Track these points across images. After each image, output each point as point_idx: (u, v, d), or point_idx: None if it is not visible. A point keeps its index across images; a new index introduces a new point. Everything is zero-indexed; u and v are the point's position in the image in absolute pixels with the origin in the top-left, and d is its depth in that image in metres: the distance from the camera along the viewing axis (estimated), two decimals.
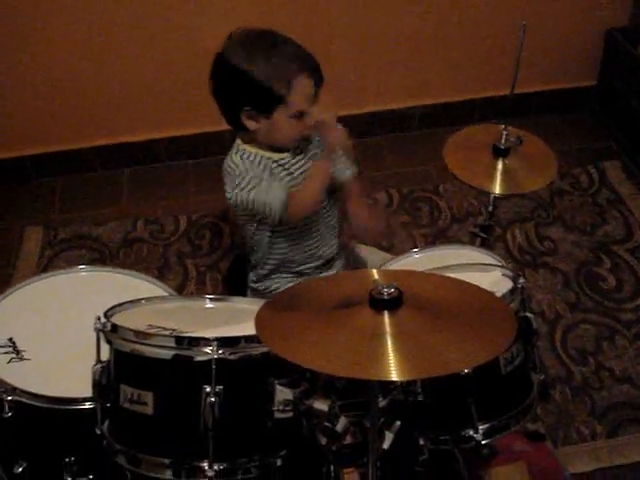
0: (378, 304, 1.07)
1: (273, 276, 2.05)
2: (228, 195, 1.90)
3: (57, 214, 3.02)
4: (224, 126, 2.95)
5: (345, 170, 2.01)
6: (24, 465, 1.69)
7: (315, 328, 1.07)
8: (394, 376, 0.97)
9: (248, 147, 1.90)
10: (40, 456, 1.71)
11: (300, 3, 2.85)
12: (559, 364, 2.37)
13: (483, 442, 1.44)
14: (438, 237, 2.79)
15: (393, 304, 1.07)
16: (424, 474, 1.60)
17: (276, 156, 1.91)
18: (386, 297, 1.07)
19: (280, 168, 1.92)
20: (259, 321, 1.12)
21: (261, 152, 1.90)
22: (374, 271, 1.16)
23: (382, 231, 2.08)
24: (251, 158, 1.89)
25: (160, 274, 2.67)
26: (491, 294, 1.16)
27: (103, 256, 2.79)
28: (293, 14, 2.84)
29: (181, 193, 3.07)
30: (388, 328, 1.04)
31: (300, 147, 1.94)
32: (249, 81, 1.77)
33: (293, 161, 1.93)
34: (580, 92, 3.32)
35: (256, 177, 1.86)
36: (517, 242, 2.77)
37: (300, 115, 1.81)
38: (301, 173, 1.94)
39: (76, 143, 3.12)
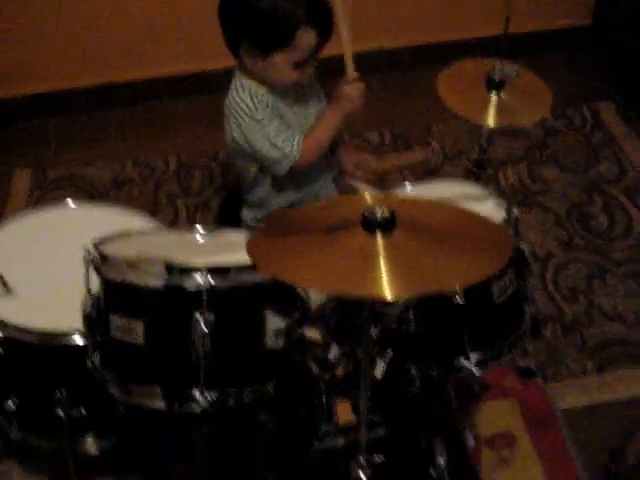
0: (370, 225, 1.06)
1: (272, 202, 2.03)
2: (235, 135, 1.87)
3: (46, 155, 2.99)
4: (216, 65, 2.95)
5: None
6: (16, 400, 1.70)
7: (308, 250, 1.06)
8: (387, 294, 0.96)
9: (252, 83, 1.85)
10: (31, 391, 1.71)
11: None
12: (550, 302, 2.37)
13: (475, 371, 1.44)
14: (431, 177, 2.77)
15: (386, 226, 1.06)
16: (415, 406, 1.61)
17: (278, 91, 1.86)
18: (379, 218, 1.05)
19: (282, 103, 1.88)
20: (251, 245, 1.11)
21: (264, 88, 1.85)
22: (367, 195, 1.14)
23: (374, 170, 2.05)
24: (259, 97, 1.84)
25: (151, 214, 2.62)
26: (485, 218, 1.15)
27: (93, 197, 2.77)
28: None
29: (171, 134, 3.03)
30: (381, 249, 1.03)
31: (300, 90, 1.91)
32: (254, 16, 1.72)
33: (294, 96, 1.90)
34: (575, 32, 3.27)
35: (270, 119, 1.83)
36: (510, 182, 2.75)
37: (299, 64, 1.77)
38: (302, 109, 1.92)
39: (66, 83, 3.07)
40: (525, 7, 3.04)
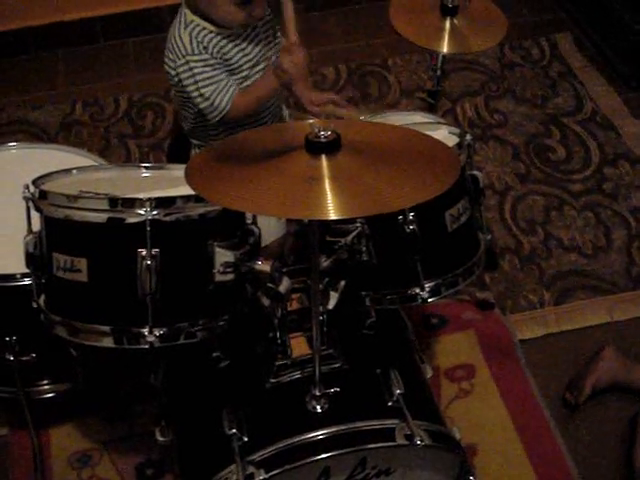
0: (315, 147, 1.02)
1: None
2: (171, 71, 1.79)
3: None
4: (162, 2, 2.85)
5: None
6: None
7: (251, 175, 1.02)
8: (332, 215, 0.93)
9: (196, 19, 1.76)
10: None
11: None
12: (508, 235, 2.37)
13: (429, 299, 1.43)
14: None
15: (330, 147, 1.02)
16: (372, 338, 1.60)
17: (225, 31, 1.78)
18: (323, 140, 1.02)
19: (230, 44, 1.80)
20: (191, 171, 1.06)
21: (209, 26, 1.76)
22: (312, 120, 1.10)
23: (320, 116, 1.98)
24: (200, 38, 1.76)
25: (102, 156, 2.55)
26: (433, 139, 1.12)
27: (41, 140, 2.68)
28: None
29: (120, 73, 2.95)
30: (326, 171, 1.00)
31: (251, 31, 1.83)
32: None
33: (244, 35, 1.82)
34: None
35: (205, 65, 1.75)
36: (467, 115, 2.73)
37: (244, 3, 1.69)
38: (253, 49, 1.84)
39: (7, 24, 2.95)
40: None
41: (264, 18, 1.84)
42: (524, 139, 2.65)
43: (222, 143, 1.20)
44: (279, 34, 1.94)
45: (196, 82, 1.76)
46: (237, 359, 1.53)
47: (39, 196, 1.34)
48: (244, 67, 1.83)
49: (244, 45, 1.82)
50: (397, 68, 2.90)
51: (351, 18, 3.12)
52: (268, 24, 1.88)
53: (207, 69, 1.76)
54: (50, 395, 1.77)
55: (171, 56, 1.78)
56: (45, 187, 1.37)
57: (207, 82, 1.75)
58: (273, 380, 1.46)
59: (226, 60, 1.80)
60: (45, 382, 1.76)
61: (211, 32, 1.77)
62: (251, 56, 1.84)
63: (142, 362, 1.62)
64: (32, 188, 1.36)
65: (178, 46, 1.76)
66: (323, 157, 1.02)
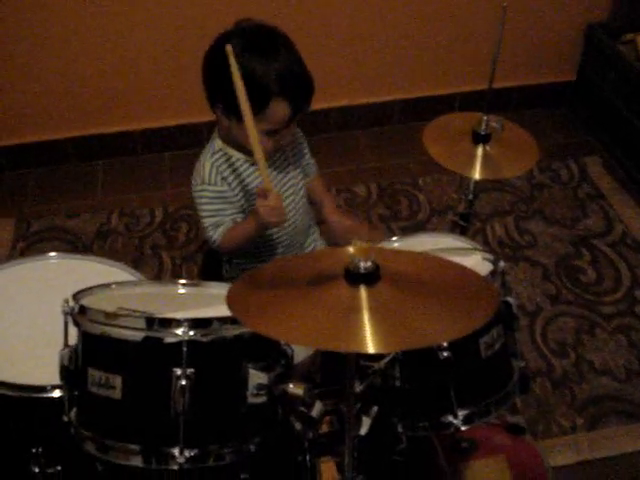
0: (354, 278, 1.03)
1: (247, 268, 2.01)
2: (191, 192, 1.88)
3: (30, 206, 2.98)
4: (200, 118, 2.95)
5: (311, 165, 2.04)
6: None
7: (290, 303, 1.03)
8: (370, 349, 0.93)
9: (225, 147, 1.85)
10: (7, 447, 1.66)
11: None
12: (539, 357, 2.35)
13: (462, 428, 1.40)
14: (417, 230, 2.76)
15: (370, 278, 1.03)
16: (402, 464, 1.57)
17: (250, 159, 1.85)
18: (362, 271, 1.03)
19: (252, 168, 1.87)
20: (231, 297, 1.08)
21: (237, 154, 1.85)
22: (350, 247, 1.11)
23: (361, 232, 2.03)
24: (222, 169, 1.84)
25: (135, 267, 2.60)
26: (471, 271, 1.13)
27: (76, 249, 2.74)
28: (285, 9, 2.82)
29: (157, 185, 3.03)
30: (365, 302, 1.01)
31: (280, 156, 1.91)
32: (229, 80, 1.65)
33: (272, 161, 1.88)
34: (560, 87, 3.32)
35: (217, 197, 1.84)
36: (497, 235, 2.75)
37: (273, 132, 1.75)
38: (280, 174, 1.91)
39: (50, 134, 3.08)
40: (511, 62, 3.08)
41: (292, 146, 1.91)
42: (554, 260, 2.66)
43: (262, 268, 1.22)
44: (307, 156, 2.00)
45: (202, 210, 1.85)
46: None
47: (78, 311, 1.35)
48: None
49: (273, 172, 1.88)
50: (427, 187, 2.95)
51: (383, 138, 3.20)
52: (296, 149, 1.94)
53: (216, 201, 1.84)
54: None
55: (193, 180, 1.87)
56: (84, 302, 1.38)
57: (211, 214, 1.84)
58: None
59: (253, 188, 1.85)
60: None
61: (238, 160, 1.84)
62: (278, 183, 1.90)
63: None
64: (72, 302, 1.38)
65: (199, 172, 1.85)
66: (362, 288, 1.04)
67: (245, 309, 1.05)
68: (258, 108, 1.67)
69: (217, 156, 1.85)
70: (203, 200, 1.85)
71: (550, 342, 2.39)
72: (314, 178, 2.08)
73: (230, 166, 1.84)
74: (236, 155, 1.85)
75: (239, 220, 1.87)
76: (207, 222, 1.85)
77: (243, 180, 1.85)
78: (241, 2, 2.73)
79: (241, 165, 1.85)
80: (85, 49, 2.86)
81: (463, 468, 2.04)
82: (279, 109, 1.70)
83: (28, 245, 2.77)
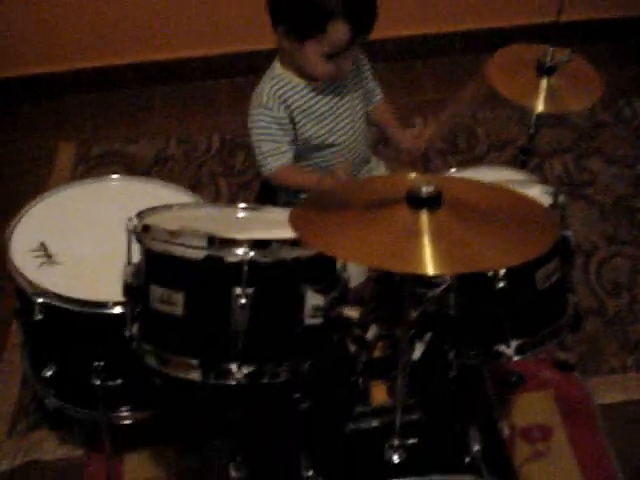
0: (416, 202, 1.04)
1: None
2: (248, 116, 1.88)
3: (89, 131, 3.02)
4: (259, 46, 2.94)
5: (375, 91, 2.02)
6: (53, 368, 1.72)
7: (351, 224, 1.05)
8: (429, 270, 0.95)
9: (285, 72, 1.85)
10: (69, 360, 1.74)
11: None
12: (592, 296, 2.33)
13: (515, 358, 1.42)
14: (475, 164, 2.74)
15: (431, 203, 1.04)
16: (451, 391, 1.60)
17: (313, 84, 1.85)
18: (424, 195, 1.04)
19: (318, 96, 1.87)
20: (294, 218, 1.10)
21: (297, 80, 1.84)
22: (412, 174, 1.12)
23: (420, 150, 2.00)
24: (281, 92, 1.83)
25: (192, 192, 2.65)
26: (532, 201, 1.13)
27: (135, 173, 2.78)
28: None
29: (214, 112, 3.04)
30: (425, 226, 1.02)
31: (340, 83, 1.89)
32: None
33: (331, 87, 1.87)
34: (629, 22, 3.20)
35: (274, 122, 1.83)
36: (555, 173, 2.71)
37: (332, 55, 1.74)
38: (339, 102, 1.89)
39: (109, 60, 3.11)
40: None
41: (352, 72, 1.89)
42: (612, 199, 2.62)
43: (324, 192, 1.24)
44: (370, 81, 1.98)
45: (259, 134, 1.84)
46: (317, 402, 1.54)
47: (142, 229, 1.39)
48: (328, 118, 1.89)
49: (331, 97, 1.88)
50: (486, 122, 2.91)
51: (444, 69, 3.15)
52: (356, 78, 1.93)
53: (274, 126, 1.83)
54: (128, 422, 1.82)
55: (251, 105, 1.87)
56: (147, 221, 1.42)
57: (269, 138, 1.84)
58: (352, 426, 1.47)
59: (311, 112, 1.86)
60: (125, 408, 1.80)
61: (297, 85, 1.84)
62: (336, 108, 1.89)
63: (222, 397, 1.65)
64: (135, 221, 1.41)
65: (258, 95, 1.85)
66: (424, 212, 1.05)
67: (307, 229, 1.07)
68: (317, 28, 1.67)
69: (276, 80, 1.85)
70: (260, 124, 1.84)
71: (604, 281, 2.37)
72: (379, 105, 2.05)
73: (289, 90, 1.84)
74: (295, 80, 1.84)
75: (293, 152, 1.87)
76: (264, 147, 1.85)
77: (302, 105, 1.85)
78: None
79: (301, 90, 1.85)
80: None
81: (511, 400, 2.07)
82: (339, 30, 1.68)
83: (88, 169, 2.82)
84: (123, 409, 1.80)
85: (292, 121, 1.86)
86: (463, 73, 3.09)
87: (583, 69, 1.88)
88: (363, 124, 1.98)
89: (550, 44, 1.81)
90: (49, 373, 1.72)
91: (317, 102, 1.86)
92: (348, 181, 1.72)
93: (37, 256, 1.71)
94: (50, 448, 1.97)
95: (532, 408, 2.07)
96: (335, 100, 1.89)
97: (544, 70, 1.80)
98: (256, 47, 3.00)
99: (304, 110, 1.86)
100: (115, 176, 1.94)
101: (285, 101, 1.83)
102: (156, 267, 1.39)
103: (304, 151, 1.91)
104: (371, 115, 2.03)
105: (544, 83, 1.80)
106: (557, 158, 2.76)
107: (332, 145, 1.91)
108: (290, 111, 1.84)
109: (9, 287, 1.80)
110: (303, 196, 1.99)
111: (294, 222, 1.09)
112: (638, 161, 2.75)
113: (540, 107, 1.76)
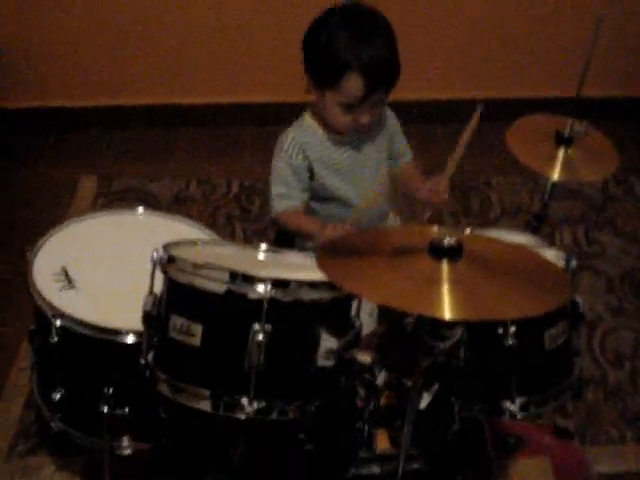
0: (438, 252, 1.10)
1: None
2: (272, 158, 1.94)
3: (112, 166, 3.09)
4: (285, 98, 3.02)
5: (404, 152, 2.07)
6: (62, 392, 1.74)
7: (376, 269, 1.11)
8: (447, 314, 1.00)
9: (312, 122, 1.91)
10: (79, 384, 1.76)
11: None
12: (594, 366, 2.36)
13: (518, 415, 1.44)
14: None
15: (453, 253, 1.09)
16: (454, 445, 1.62)
17: (336, 136, 1.90)
18: (446, 245, 1.09)
19: (339, 148, 1.92)
20: (321, 260, 1.15)
21: (320, 130, 1.90)
22: (435, 226, 1.17)
23: (446, 201, 2.03)
24: (304, 142, 1.89)
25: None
26: (547, 261, 1.18)
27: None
28: None
29: (236, 158, 3.11)
30: (445, 275, 1.07)
31: (357, 135, 1.93)
32: (312, 48, 1.79)
33: (353, 140, 1.92)
34: None
35: (290, 168, 1.88)
36: (565, 242, 2.76)
37: (349, 107, 1.79)
38: (358, 155, 1.94)
39: (136, 99, 3.20)
40: (598, 73, 3.06)
41: (376, 128, 1.94)
42: (620, 272, 2.66)
43: (349, 237, 1.29)
44: (398, 141, 2.04)
45: (275, 177, 1.90)
46: (321, 444, 1.56)
47: (167, 260, 1.44)
48: (348, 172, 1.94)
49: (352, 152, 1.93)
50: (500, 188, 2.98)
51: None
52: (382, 137, 1.98)
53: (289, 172, 1.88)
54: (128, 452, 1.82)
55: (275, 147, 1.93)
56: (173, 253, 1.47)
57: (282, 181, 1.89)
58: (355, 471, 1.49)
59: (331, 165, 1.91)
60: (127, 438, 1.81)
61: (321, 136, 1.90)
62: (357, 163, 1.94)
63: (225, 433, 1.67)
64: (162, 252, 1.46)
65: (281, 141, 1.91)
66: (445, 262, 1.09)
67: (335, 271, 1.12)
68: (333, 79, 1.74)
69: (302, 129, 1.91)
70: (277, 168, 1.90)
71: (607, 352, 2.40)
72: (407, 167, 2.09)
73: (312, 140, 1.90)
74: (320, 131, 1.90)
75: (304, 199, 1.92)
76: (275, 190, 1.90)
77: (322, 156, 1.90)
78: None
79: (323, 141, 1.90)
80: (180, 16, 2.97)
81: (508, 463, 2.08)
82: (353, 83, 1.74)
83: (108, 202, 2.88)
84: (124, 439, 1.81)
85: (311, 171, 1.91)
86: (480, 139, 3.16)
87: (599, 143, 1.94)
88: (384, 182, 2.02)
89: (569, 117, 1.88)
90: (58, 396, 1.74)
91: (338, 155, 1.92)
92: (348, 232, 1.74)
93: (58, 280, 1.75)
94: (48, 474, 1.98)
95: (528, 473, 2.07)
96: (356, 155, 1.94)
97: (562, 140, 1.87)
98: (283, 99, 3.09)
99: (324, 162, 1.91)
100: (140, 209, 1.98)
101: (305, 151, 1.89)
102: (178, 298, 1.43)
103: (324, 200, 1.96)
104: (397, 175, 2.07)
105: (561, 153, 1.86)
106: (567, 228, 2.82)
107: (349, 198, 1.95)
108: (309, 161, 1.90)
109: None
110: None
111: (322, 264, 1.14)
112: None
113: (556, 176, 1.82)
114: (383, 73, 1.77)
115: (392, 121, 2.03)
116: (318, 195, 1.95)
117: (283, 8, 2.95)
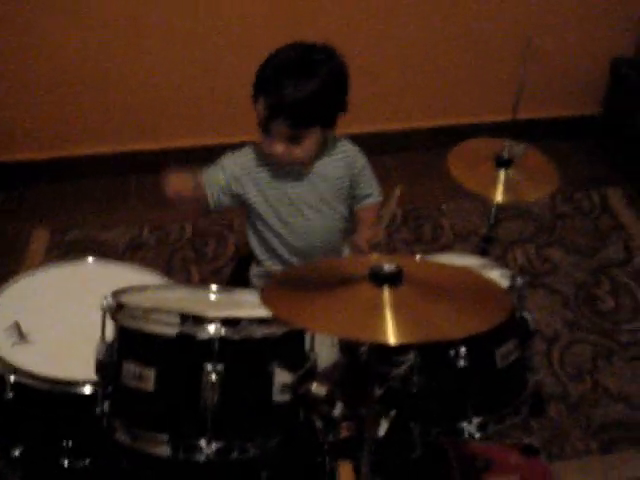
0: (378, 278, 1.11)
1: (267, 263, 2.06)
2: None
3: (64, 218, 3.07)
4: (231, 139, 3.04)
5: (369, 193, 2.08)
6: (21, 448, 1.71)
7: (320, 300, 1.12)
8: (391, 339, 1.01)
9: (259, 149, 1.93)
10: (38, 439, 1.72)
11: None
12: (555, 381, 2.39)
13: (476, 435, 1.46)
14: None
15: (393, 279, 1.11)
16: (418, 472, 1.62)
17: (276, 168, 1.93)
18: (386, 272, 1.11)
19: (271, 175, 1.93)
20: (265, 296, 1.16)
21: (263, 157, 1.92)
22: (375, 255, 1.19)
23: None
24: (245, 164, 1.93)
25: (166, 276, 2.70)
26: (486, 278, 1.20)
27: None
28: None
29: None
30: (387, 300, 1.08)
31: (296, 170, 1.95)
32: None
33: (292, 175, 1.94)
34: (584, 120, 3.37)
35: (219, 171, 1.93)
36: (518, 262, 2.80)
37: (264, 130, 1.82)
38: (293, 192, 1.95)
39: (86, 149, 3.19)
40: (536, 94, 3.15)
41: (319, 167, 1.95)
42: (573, 288, 2.71)
43: (293, 269, 1.30)
44: (363, 184, 2.05)
45: (208, 167, 1.95)
46: None
47: (116, 307, 1.44)
48: (281, 204, 1.95)
49: (291, 184, 1.94)
50: (451, 213, 3.03)
51: (410, 163, 3.28)
52: (334, 178, 1.98)
53: (217, 173, 1.94)
54: None
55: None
56: (122, 299, 1.47)
57: (207, 175, 1.94)
58: None
59: (264, 190, 1.93)
60: None
61: (263, 162, 1.92)
62: (294, 196, 1.95)
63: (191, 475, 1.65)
64: (110, 299, 1.46)
65: (228, 155, 1.96)
66: (386, 288, 1.11)
67: (278, 305, 1.13)
68: (254, 98, 1.80)
69: (249, 151, 1.95)
70: (216, 163, 1.95)
71: (567, 367, 2.43)
72: (369, 206, 2.10)
73: (253, 164, 1.93)
74: (261, 157, 1.93)
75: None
76: (205, 172, 1.96)
77: (256, 178, 1.93)
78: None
79: (264, 166, 1.93)
80: (127, 64, 2.99)
81: None
82: (260, 102, 1.79)
83: (62, 254, 2.86)
84: None
85: (240, 188, 1.94)
86: (427, 167, 3.22)
87: (539, 162, 1.99)
88: (333, 221, 2.02)
89: (507, 139, 1.92)
90: (17, 452, 1.71)
91: (273, 183, 1.93)
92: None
93: (10, 335, 1.73)
94: None
95: None
96: (293, 189, 1.94)
97: (502, 162, 1.91)
98: (227, 140, 3.10)
99: (257, 184, 1.93)
100: (90, 259, 1.98)
101: (239, 178, 1.93)
102: (129, 344, 1.42)
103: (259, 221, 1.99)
104: (357, 213, 2.08)
105: (502, 175, 1.90)
106: (519, 248, 2.86)
107: (279, 232, 1.97)
108: (240, 184, 1.93)
109: None
110: (274, 269, 2.03)
111: (266, 299, 1.15)
112: (597, 251, 2.86)
113: (499, 197, 1.85)
114: (289, 100, 1.75)
115: (359, 162, 2.02)
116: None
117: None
